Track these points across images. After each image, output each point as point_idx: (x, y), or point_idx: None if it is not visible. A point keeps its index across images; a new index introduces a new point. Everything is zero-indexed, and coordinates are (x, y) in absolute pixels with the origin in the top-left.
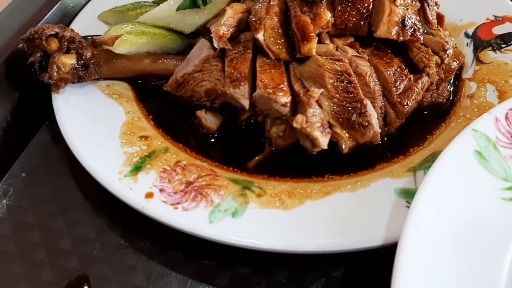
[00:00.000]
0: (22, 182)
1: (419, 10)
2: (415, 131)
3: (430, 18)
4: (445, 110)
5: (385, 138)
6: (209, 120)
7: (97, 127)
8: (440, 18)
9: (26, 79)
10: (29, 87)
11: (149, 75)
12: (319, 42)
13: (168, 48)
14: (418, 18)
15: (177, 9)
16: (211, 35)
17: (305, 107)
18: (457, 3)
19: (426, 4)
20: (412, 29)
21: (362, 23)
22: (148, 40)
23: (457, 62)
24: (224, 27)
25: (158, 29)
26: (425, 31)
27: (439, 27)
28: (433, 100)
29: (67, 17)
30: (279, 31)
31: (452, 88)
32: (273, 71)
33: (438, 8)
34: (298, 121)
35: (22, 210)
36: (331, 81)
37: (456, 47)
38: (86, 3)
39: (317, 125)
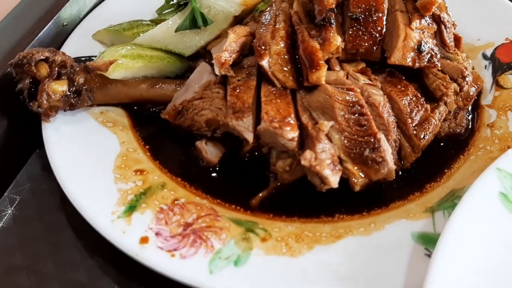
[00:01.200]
0: (10, 218)
1: (435, 32)
2: (431, 164)
3: (448, 41)
4: (464, 140)
5: (400, 173)
6: (210, 152)
7: (89, 161)
8: (457, 40)
9: (16, 104)
10: (19, 112)
11: (146, 101)
12: (328, 68)
13: (166, 71)
14: (435, 41)
15: (176, 30)
16: (213, 61)
17: (314, 141)
18: (473, 21)
19: (443, 27)
20: (429, 54)
21: (374, 48)
22: (144, 64)
23: (476, 87)
24: (226, 53)
25: (156, 52)
26: (442, 54)
27: (456, 50)
28: (451, 130)
29: (60, 36)
30: (286, 57)
31: (470, 116)
32: (279, 101)
33: (455, 29)
34: (307, 158)
35: (10, 249)
36: (341, 112)
37: (474, 70)
38: (80, 21)
39: (327, 162)
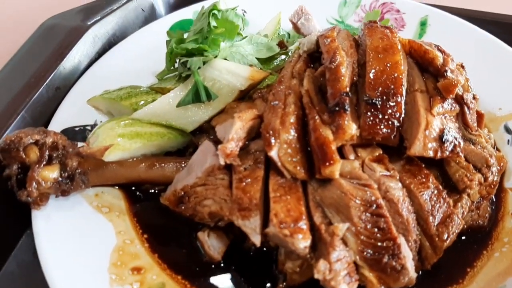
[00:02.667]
0: None
1: (457, 114)
2: (452, 262)
3: (470, 122)
4: (487, 233)
5: (420, 273)
6: (213, 246)
7: (83, 257)
8: (479, 116)
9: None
10: (6, 195)
11: (145, 182)
12: (342, 156)
13: (166, 147)
14: (457, 124)
15: (178, 105)
16: (218, 149)
17: (328, 249)
18: (494, 88)
19: (466, 108)
20: (452, 144)
21: (392, 136)
22: (143, 143)
23: (498, 168)
24: (232, 143)
25: (156, 127)
26: (464, 137)
27: (479, 130)
28: (473, 222)
29: (53, 101)
30: (296, 145)
31: (493, 202)
32: (289, 197)
33: (476, 102)
34: (320, 270)
35: None
36: (357, 213)
37: (497, 152)
38: (74, 83)
39: (342, 275)
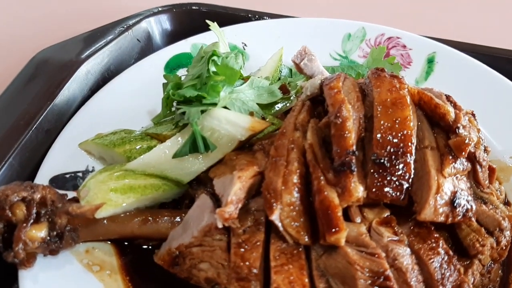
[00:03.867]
0: None
1: (469, 172)
2: None
3: (482, 180)
4: None
5: None
6: None
7: None
8: (491, 171)
9: None
10: None
11: (138, 237)
12: (347, 218)
13: (161, 199)
14: (468, 184)
15: (174, 156)
16: (216, 215)
17: None
18: (505, 133)
19: (478, 166)
20: (464, 208)
21: (401, 198)
22: (137, 198)
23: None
24: (231, 206)
25: (150, 179)
26: (475, 195)
27: (490, 186)
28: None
29: (43, 145)
30: (299, 208)
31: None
32: (291, 266)
33: (488, 154)
34: None
35: None
36: (364, 285)
37: (506, 200)
38: (65, 124)
39: None
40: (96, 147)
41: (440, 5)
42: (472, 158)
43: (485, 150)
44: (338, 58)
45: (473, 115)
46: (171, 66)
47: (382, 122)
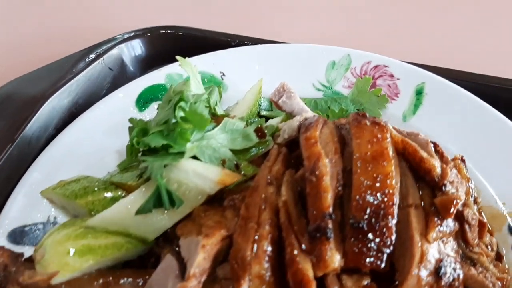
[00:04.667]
0: None
1: (457, 232)
2: None
3: (471, 240)
4: None
5: None
6: None
7: None
8: (481, 225)
9: None
10: None
11: None
12: (323, 286)
13: (124, 259)
14: (455, 246)
15: (137, 213)
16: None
17: None
18: (499, 175)
19: (466, 226)
20: (451, 277)
21: (382, 266)
22: (96, 261)
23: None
24: (194, 280)
25: (112, 237)
26: (464, 254)
27: (480, 244)
28: None
29: (2, 193)
30: (270, 280)
31: None
32: None
33: (478, 205)
34: None
35: None
36: None
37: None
38: (25, 171)
39: None
40: (57, 196)
41: (429, 30)
42: (460, 217)
43: (475, 201)
44: (322, 88)
45: (463, 160)
46: (144, 100)
47: (361, 179)
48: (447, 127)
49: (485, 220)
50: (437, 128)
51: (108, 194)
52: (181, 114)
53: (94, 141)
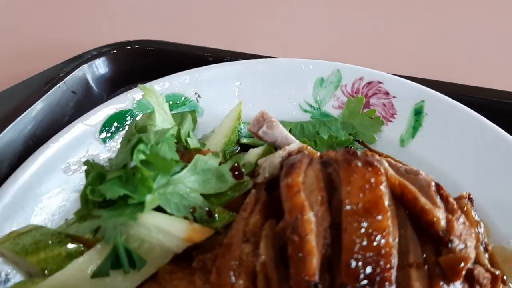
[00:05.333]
0: None
1: None
2: None
3: None
4: None
5: None
6: None
7: None
8: (494, 280)
9: None
10: None
11: None
12: None
13: None
14: None
15: (93, 276)
16: None
17: None
18: (509, 209)
19: (477, 286)
20: None
21: None
22: None
23: None
24: None
25: None
26: None
27: None
28: None
29: None
30: None
31: None
32: None
33: (489, 253)
34: None
35: None
36: None
37: None
38: None
39: None
40: (7, 251)
41: (427, 40)
42: (469, 278)
43: (485, 249)
44: (309, 109)
45: (470, 199)
46: (108, 130)
47: (353, 239)
48: (450, 153)
49: (497, 272)
50: (440, 154)
51: (64, 250)
52: (141, 157)
53: (52, 182)
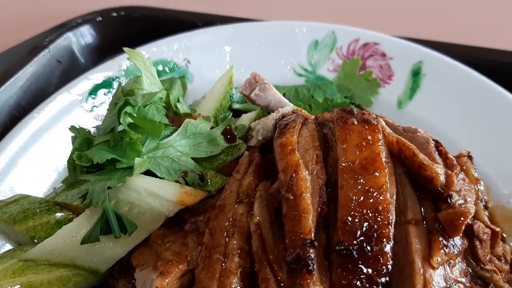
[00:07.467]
0: None
1: (466, 249)
2: None
3: (482, 257)
4: None
5: None
6: None
7: None
8: (494, 236)
9: None
10: None
11: None
12: None
13: None
14: (463, 266)
15: (83, 242)
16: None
17: None
18: (509, 168)
19: (477, 242)
20: None
21: None
22: None
23: None
24: None
25: (57, 270)
26: (474, 273)
27: (493, 259)
28: None
29: None
30: None
31: None
32: None
33: (489, 210)
34: None
35: None
36: None
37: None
38: None
39: None
40: None
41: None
42: (469, 233)
43: (485, 206)
44: (304, 73)
45: (470, 157)
46: (95, 97)
47: (349, 195)
48: (449, 114)
49: (497, 229)
50: (438, 115)
51: (52, 217)
52: (129, 120)
53: (39, 151)
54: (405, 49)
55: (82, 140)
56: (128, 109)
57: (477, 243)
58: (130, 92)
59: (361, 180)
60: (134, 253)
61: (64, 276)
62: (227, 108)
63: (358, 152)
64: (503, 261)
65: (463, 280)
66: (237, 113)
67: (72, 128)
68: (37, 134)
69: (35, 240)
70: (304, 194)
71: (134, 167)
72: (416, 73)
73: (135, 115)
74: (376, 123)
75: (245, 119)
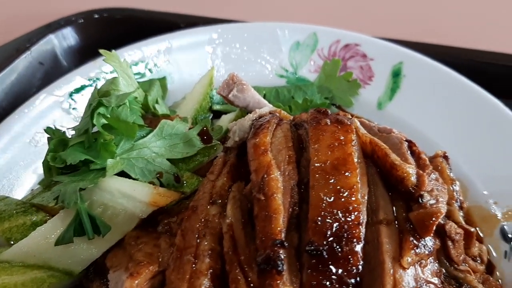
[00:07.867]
0: None
1: (439, 249)
2: None
3: (455, 257)
4: None
5: None
6: None
7: None
8: (468, 236)
9: None
10: None
11: None
12: None
13: None
14: (435, 267)
15: (56, 243)
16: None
17: None
18: (488, 166)
19: (449, 241)
20: None
21: None
22: None
23: None
24: None
25: (31, 271)
26: (448, 274)
27: (467, 260)
28: None
29: None
30: None
31: None
32: None
33: (464, 210)
34: None
35: None
36: None
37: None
38: None
39: None
40: None
41: (406, 1)
42: (441, 233)
43: (461, 207)
44: (285, 74)
45: (445, 157)
46: (74, 99)
47: (320, 196)
48: (429, 115)
49: (472, 229)
50: (418, 115)
51: (28, 219)
52: (103, 121)
53: (19, 153)
54: (386, 50)
55: (57, 141)
56: (101, 110)
57: (450, 243)
58: (106, 93)
59: (332, 180)
60: (109, 255)
61: (39, 278)
62: (207, 109)
63: (330, 153)
64: (478, 261)
65: (435, 280)
66: (218, 114)
67: (48, 129)
68: (18, 136)
69: (11, 242)
70: (275, 195)
71: (107, 168)
72: (396, 74)
73: (108, 115)
74: (349, 124)
75: (224, 120)
